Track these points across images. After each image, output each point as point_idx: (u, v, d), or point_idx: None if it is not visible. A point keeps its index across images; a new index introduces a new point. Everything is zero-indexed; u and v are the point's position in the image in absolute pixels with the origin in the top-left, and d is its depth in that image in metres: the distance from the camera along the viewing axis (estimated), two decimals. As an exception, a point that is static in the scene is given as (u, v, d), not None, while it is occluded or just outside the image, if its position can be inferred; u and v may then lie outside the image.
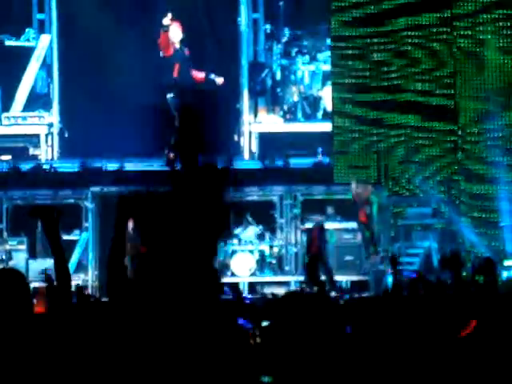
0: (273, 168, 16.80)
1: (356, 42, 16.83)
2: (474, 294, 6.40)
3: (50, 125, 17.52)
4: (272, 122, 17.53)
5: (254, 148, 17.52)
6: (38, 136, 17.48)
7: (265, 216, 16.39)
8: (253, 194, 16.36)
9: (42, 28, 17.84)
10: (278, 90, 17.65)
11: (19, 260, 15.65)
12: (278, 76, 17.64)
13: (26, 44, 17.59)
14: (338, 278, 15.77)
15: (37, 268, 14.59)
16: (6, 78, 17.40)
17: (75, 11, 17.38)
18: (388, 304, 5.11)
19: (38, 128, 17.48)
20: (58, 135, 17.58)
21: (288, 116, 17.55)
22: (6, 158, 17.15)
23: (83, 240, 16.21)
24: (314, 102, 17.54)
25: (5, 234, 16.17)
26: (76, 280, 15.59)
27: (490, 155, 16.46)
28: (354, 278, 16.00)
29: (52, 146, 17.54)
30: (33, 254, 15.90)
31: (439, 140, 16.73)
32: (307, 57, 17.59)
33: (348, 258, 16.10)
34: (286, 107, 17.58)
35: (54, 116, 17.59)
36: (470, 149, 16.69)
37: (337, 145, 16.84)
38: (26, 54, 17.50)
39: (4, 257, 15.77)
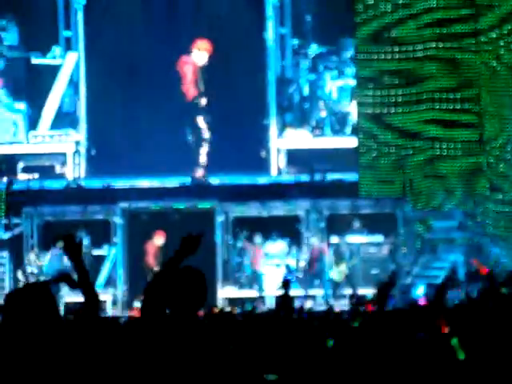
0: (298, 183, 16.92)
1: (380, 55, 16.93)
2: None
3: (77, 143, 17.61)
4: (300, 138, 17.56)
5: (282, 164, 17.56)
6: (64, 154, 17.58)
7: (291, 230, 16.49)
8: (279, 209, 16.49)
9: (68, 45, 17.83)
10: (306, 105, 17.70)
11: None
12: (306, 91, 17.67)
13: (53, 62, 17.63)
14: (364, 291, 15.86)
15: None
16: (33, 96, 17.52)
17: (102, 28, 17.41)
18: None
19: (65, 146, 17.57)
20: (85, 153, 17.67)
21: (316, 131, 17.59)
22: (32, 176, 17.32)
23: (113, 255, 16.38)
24: (343, 118, 17.58)
25: (36, 250, 16.34)
26: (106, 294, 15.80)
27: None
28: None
29: (79, 164, 17.64)
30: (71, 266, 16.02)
31: (465, 155, 16.79)
32: (335, 72, 17.63)
33: (374, 271, 16.19)
34: (313, 123, 17.61)
35: (80, 134, 17.67)
36: (495, 163, 16.74)
37: (363, 160, 16.95)
38: (52, 71, 17.56)
39: (36, 271, 15.97)
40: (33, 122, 17.58)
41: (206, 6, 17.49)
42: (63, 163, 17.57)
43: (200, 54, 17.15)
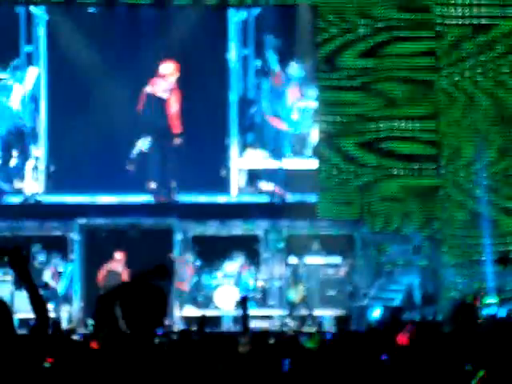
0: (257, 203, 16.98)
1: (341, 75, 17.11)
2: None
3: (37, 159, 17.32)
4: (260, 158, 17.59)
5: (242, 183, 17.51)
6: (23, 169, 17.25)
7: (249, 250, 16.53)
8: (238, 228, 16.53)
9: (29, 60, 17.48)
10: (267, 126, 17.71)
11: (4, 291, 15.66)
12: (268, 112, 17.70)
13: (13, 77, 17.27)
14: (320, 312, 15.91)
15: (23, 298, 14.62)
16: None
17: (64, 44, 17.16)
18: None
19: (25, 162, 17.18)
20: (45, 169, 17.33)
21: (276, 152, 17.61)
22: None
23: (69, 272, 16.29)
24: (303, 139, 17.62)
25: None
26: (62, 311, 15.67)
27: (473, 192, 16.72)
28: (337, 312, 16.13)
29: (37, 179, 17.28)
30: (18, 285, 15.94)
31: (421, 176, 16.99)
32: (299, 92, 17.58)
33: (331, 292, 16.26)
34: (274, 143, 17.65)
35: (40, 150, 17.38)
36: (452, 186, 16.95)
37: (321, 181, 17.06)
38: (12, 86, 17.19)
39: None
40: None
41: (169, 24, 17.42)
42: (21, 178, 17.27)
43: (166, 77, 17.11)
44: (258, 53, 17.58)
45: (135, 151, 17.05)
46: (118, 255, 16.22)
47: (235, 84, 17.62)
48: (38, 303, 4.15)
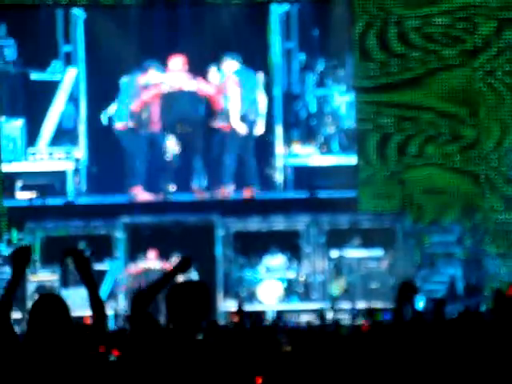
0: (298, 198, 17.01)
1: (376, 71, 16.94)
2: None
3: (77, 160, 17.23)
4: (307, 155, 17.18)
5: (288, 181, 17.20)
6: (64, 172, 17.21)
7: (292, 245, 16.60)
8: (279, 223, 16.60)
9: (68, 60, 17.31)
10: (313, 121, 17.33)
11: (52, 290, 15.88)
12: (313, 107, 17.33)
13: (52, 78, 17.16)
14: (364, 305, 15.95)
15: (69, 297, 14.83)
16: (31, 113, 17.11)
17: (103, 43, 17.02)
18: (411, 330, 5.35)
19: (65, 164, 17.20)
20: (85, 171, 17.29)
21: (324, 148, 17.21)
22: (30, 195, 16.99)
23: (114, 269, 16.48)
24: (352, 134, 17.22)
25: (38, 265, 16.40)
26: (108, 309, 15.87)
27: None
28: (380, 305, 16.14)
29: (79, 182, 17.26)
30: (65, 283, 16.15)
31: (463, 170, 16.95)
32: (344, 87, 17.25)
33: (373, 285, 16.29)
34: (321, 139, 17.23)
35: (80, 151, 17.29)
36: (493, 178, 16.88)
37: (362, 174, 17.07)
38: (52, 87, 17.13)
39: (40, 286, 16.03)
40: (31, 139, 17.19)
41: (208, 20, 17.15)
42: (63, 181, 17.24)
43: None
44: (302, 46, 17.16)
45: (169, 151, 16.99)
46: (152, 254, 16.33)
47: (279, 79, 17.30)
48: (97, 302, 4.29)
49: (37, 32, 16.87)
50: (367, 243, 16.44)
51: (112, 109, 17.12)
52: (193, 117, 16.98)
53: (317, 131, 17.23)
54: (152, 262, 16.32)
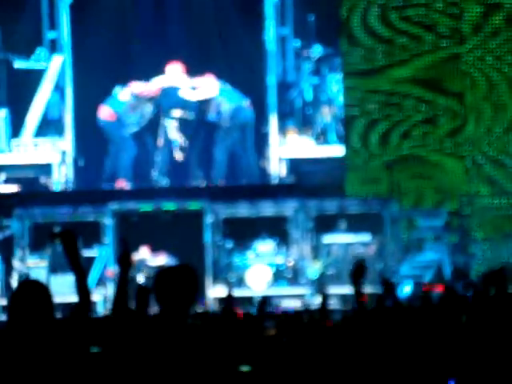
0: (286, 184, 17.04)
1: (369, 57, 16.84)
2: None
3: (64, 152, 16.70)
4: (303, 145, 16.66)
5: (283, 173, 16.86)
6: (49, 165, 16.70)
7: (280, 230, 16.66)
8: (267, 209, 16.65)
9: (53, 47, 16.62)
10: (309, 110, 16.82)
11: (40, 276, 15.88)
12: (309, 96, 16.80)
13: (37, 65, 16.57)
14: (351, 291, 16.01)
15: (58, 283, 14.86)
16: (15, 102, 16.56)
17: (90, 29, 16.58)
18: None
19: (51, 156, 16.65)
20: (72, 163, 16.76)
21: (320, 138, 16.73)
22: (13, 188, 16.63)
23: (103, 256, 16.51)
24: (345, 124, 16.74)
25: (26, 251, 16.38)
26: (97, 295, 15.91)
27: (502, 164, 16.73)
28: (368, 290, 16.20)
29: (66, 174, 16.73)
30: (53, 269, 16.16)
31: (450, 154, 17.01)
32: (341, 75, 16.73)
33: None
34: (317, 129, 16.76)
35: (67, 143, 16.77)
36: (481, 162, 16.96)
37: (350, 159, 17.11)
38: (36, 75, 16.56)
39: (24, 273, 16.05)
40: (15, 130, 16.59)
41: (197, 5, 16.80)
42: (48, 174, 16.73)
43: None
44: (297, 32, 16.62)
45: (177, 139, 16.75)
46: (144, 249, 16.29)
47: (273, 67, 16.73)
48: (83, 287, 4.27)
49: (20, 18, 16.33)
50: (355, 228, 16.51)
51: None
52: (189, 106, 16.70)
53: (313, 121, 16.78)
54: (143, 253, 16.30)
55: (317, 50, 16.65)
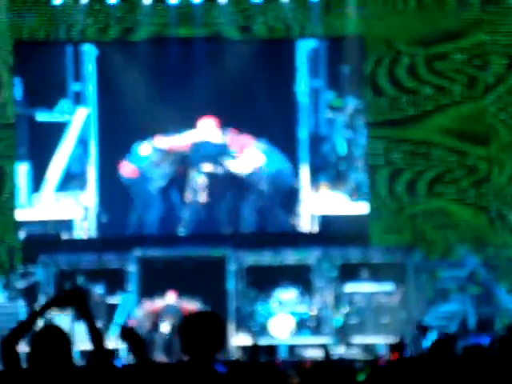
0: (309, 232, 17.02)
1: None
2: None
3: (86, 208, 16.25)
4: (336, 201, 16.11)
5: (315, 231, 16.38)
6: (71, 221, 16.21)
7: (303, 279, 16.61)
8: (291, 257, 16.63)
9: (77, 100, 16.17)
10: (342, 165, 16.51)
11: (64, 324, 15.88)
12: (343, 150, 16.49)
13: (60, 118, 16.17)
14: (375, 340, 15.92)
15: (82, 331, 14.80)
16: (37, 155, 16.11)
17: (116, 82, 16.21)
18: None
19: (73, 212, 16.16)
20: (95, 220, 16.30)
21: (354, 195, 16.42)
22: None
23: (126, 303, 16.50)
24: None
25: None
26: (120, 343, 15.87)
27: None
28: (391, 340, 16.10)
29: (88, 231, 16.25)
30: (77, 317, 16.09)
31: (475, 205, 16.99)
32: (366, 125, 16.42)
33: (384, 320, 16.26)
34: (351, 185, 16.39)
35: (90, 198, 16.27)
36: (505, 213, 16.92)
37: (373, 209, 17.11)
38: (59, 128, 16.15)
39: (48, 320, 16.06)
40: (36, 185, 16.18)
41: (227, 57, 16.39)
42: (70, 230, 16.32)
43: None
44: (330, 84, 16.30)
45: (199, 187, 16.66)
46: (171, 294, 16.25)
47: (305, 119, 16.36)
48: (95, 335, 4.33)
49: (44, 70, 15.96)
50: (378, 277, 16.45)
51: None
52: (219, 160, 16.50)
53: (346, 176, 16.38)
54: (170, 298, 16.25)
55: (350, 103, 16.43)
